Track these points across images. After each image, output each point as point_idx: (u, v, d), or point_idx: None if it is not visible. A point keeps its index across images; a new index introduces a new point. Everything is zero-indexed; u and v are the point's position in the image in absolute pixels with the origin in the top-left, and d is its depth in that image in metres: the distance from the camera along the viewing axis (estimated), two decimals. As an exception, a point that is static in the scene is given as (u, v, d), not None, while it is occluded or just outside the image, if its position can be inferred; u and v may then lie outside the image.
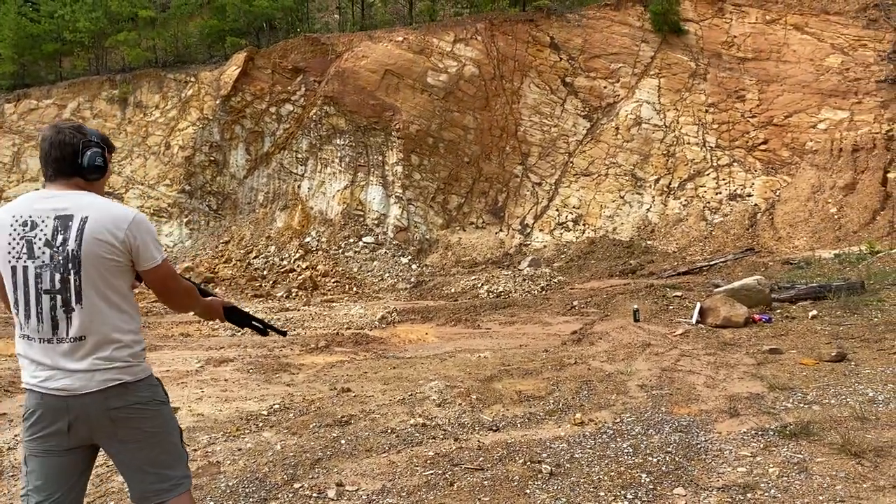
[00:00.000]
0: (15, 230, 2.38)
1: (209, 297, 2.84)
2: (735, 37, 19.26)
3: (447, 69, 19.95)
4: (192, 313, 2.86)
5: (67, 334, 2.38)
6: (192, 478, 2.72)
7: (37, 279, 2.36)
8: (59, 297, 2.37)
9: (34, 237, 2.36)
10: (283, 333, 3.19)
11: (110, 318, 2.43)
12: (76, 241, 2.35)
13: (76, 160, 2.46)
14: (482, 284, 14.73)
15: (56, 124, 2.54)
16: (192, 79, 21.18)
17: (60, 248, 2.35)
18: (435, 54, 20.02)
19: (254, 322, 3.08)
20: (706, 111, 19.10)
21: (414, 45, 20.02)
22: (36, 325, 2.38)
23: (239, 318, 3.00)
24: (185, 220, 20.00)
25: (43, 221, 2.37)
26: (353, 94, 19.91)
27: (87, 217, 2.38)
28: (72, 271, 2.36)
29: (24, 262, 2.37)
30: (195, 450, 4.98)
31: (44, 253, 2.36)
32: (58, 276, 2.36)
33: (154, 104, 21.19)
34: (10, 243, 2.37)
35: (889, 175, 16.31)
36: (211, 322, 12.08)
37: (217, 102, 20.47)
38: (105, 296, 2.41)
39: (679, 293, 11.44)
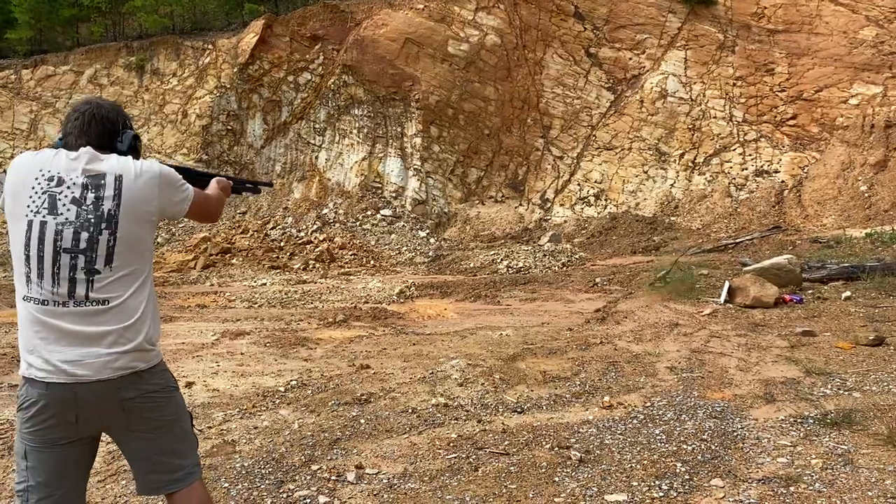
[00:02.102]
0: (39, 184, 2.21)
1: (214, 181, 2.84)
2: (765, 8, 18.65)
3: (468, 38, 19.53)
4: None
5: (87, 297, 2.19)
6: (200, 465, 2.55)
7: (56, 236, 2.17)
8: (81, 257, 2.18)
9: (59, 193, 2.20)
10: (270, 184, 3.63)
11: (138, 286, 2.29)
12: (114, 200, 2.23)
13: (115, 139, 2.39)
14: (501, 259, 14.49)
15: (91, 99, 2.44)
16: (210, 46, 20.90)
17: (92, 206, 2.20)
18: (456, 23, 19.59)
19: (247, 185, 3.26)
20: (734, 84, 18.59)
21: (435, 14, 19.60)
22: (51, 287, 2.17)
23: (238, 186, 3.13)
24: (202, 189, 19.86)
25: (71, 179, 2.22)
26: (372, 64, 19.56)
27: (121, 176, 2.27)
28: (105, 231, 2.20)
29: (44, 216, 2.18)
30: (210, 427, 4.83)
31: (69, 210, 2.19)
32: (84, 235, 2.18)
33: (171, 72, 20.95)
34: (31, 196, 2.20)
35: (923, 152, 15.82)
36: (228, 293, 11.97)
37: (234, 70, 20.20)
38: (138, 255, 2.29)
39: (705, 271, 11.15)
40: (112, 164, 2.30)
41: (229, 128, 20.29)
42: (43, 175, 2.22)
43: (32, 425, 2.24)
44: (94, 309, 2.20)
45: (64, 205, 2.19)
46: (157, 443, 2.37)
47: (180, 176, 2.48)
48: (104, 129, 2.36)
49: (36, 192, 2.20)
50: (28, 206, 2.20)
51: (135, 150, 2.43)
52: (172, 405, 2.42)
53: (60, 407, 2.20)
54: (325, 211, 18.72)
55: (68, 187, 2.21)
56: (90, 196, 2.21)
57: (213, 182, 2.81)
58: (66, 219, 2.18)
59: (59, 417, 2.22)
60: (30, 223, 2.19)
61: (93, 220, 2.20)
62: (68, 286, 2.17)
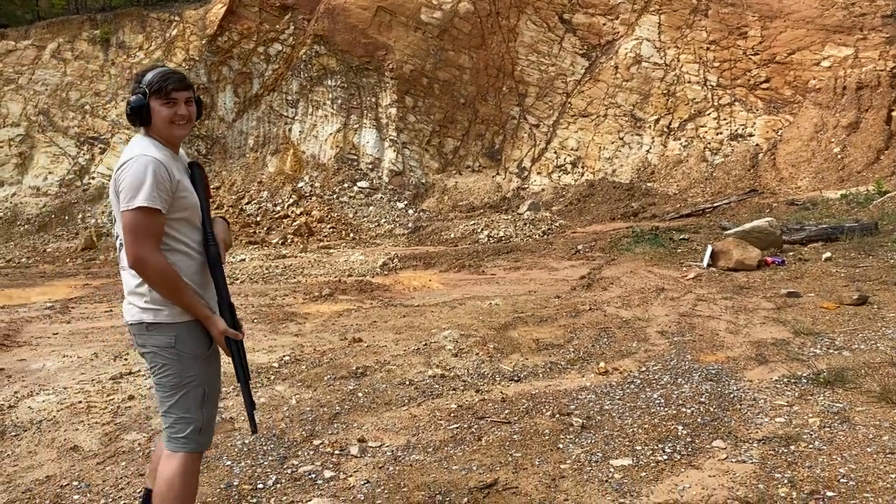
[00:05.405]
0: None
1: (217, 316, 2.63)
2: (738, -30, 18.62)
3: (441, 5, 19.24)
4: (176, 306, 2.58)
5: (120, 263, 2.63)
6: (192, 444, 2.62)
7: (112, 215, 2.78)
8: (118, 232, 2.61)
9: None
10: (254, 429, 2.77)
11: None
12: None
13: None
14: (482, 229, 14.47)
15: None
16: (177, 18, 20.34)
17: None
18: (428, -10, 19.28)
19: (246, 389, 2.70)
20: (707, 49, 18.59)
21: (406, -19, 19.25)
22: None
23: (237, 369, 2.66)
24: (173, 165, 19.47)
25: None
26: (344, 33, 19.22)
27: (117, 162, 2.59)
28: (114, 213, 2.58)
29: None
30: (206, 405, 4.77)
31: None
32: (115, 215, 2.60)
33: (137, 45, 20.38)
34: None
35: (894, 113, 15.99)
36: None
37: (203, 42, 19.70)
38: None
39: (685, 236, 11.23)
40: (125, 150, 2.59)
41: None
42: None
43: None
44: (123, 272, 2.63)
45: None
46: (159, 397, 2.63)
47: (141, 187, 2.41)
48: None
49: None
50: None
51: (136, 115, 2.58)
52: (175, 368, 2.58)
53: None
54: (300, 184, 18.49)
55: None
56: None
57: (214, 315, 2.63)
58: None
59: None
60: None
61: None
62: (118, 252, 2.64)
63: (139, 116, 2.56)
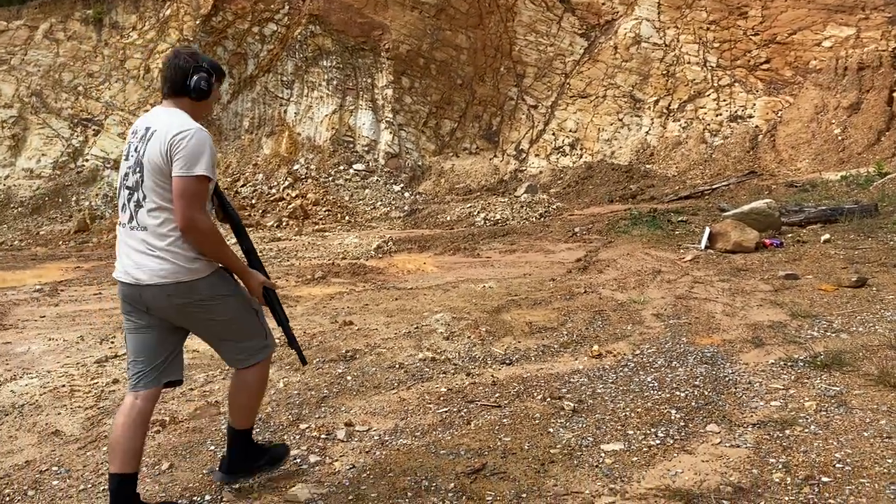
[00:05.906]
0: (132, 136, 2.86)
1: (253, 270, 2.98)
2: (739, -51, 18.37)
3: (438, -15, 19.01)
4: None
5: (137, 224, 2.78)
6: (269, 347, 3.10)
7: (124, 177, 2.85)
8: (134, 193, 2.79)
9: (132, 143, 2.83)
10: (304, 361, 3.29)
11: (165, 219, 2.74)
12: (142, 150, 2.76)
13: (186, 82, 2.84)
14: (478, 212, 14.35)
15: (176, 49, 2.92)
16: (170, -2, 20.11)
17: (136, 153, 2.79)
18: (425, -31, 19.03)
19: (288, 330, 3.13)
20: (707, 29, 18.40)
21: (403, -40, 19.00)
22: (122, 214, 2.85)
23: (276, 314, 3.07)
24: (168, 147, 19.29)
25: (141, 130, 2.82)
26: (340, 12, 19.00)
27: (155, 130, 2.76)
28: (138, 174, 2.76)
29: (123, 161, 2.89)
30: (192, 389, 4.69)
31: (132, 157, 2.81)
32: (134, 177, 2.78)
33: (131, 25, 20.16)
34: (127, 144, 2.88)
35: (895, 94, 15.84)
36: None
37: (197, 23, 19.48)
38: (161, 197, 2.74)
39: (683, 218, 11.13)
40: (161, 118, 2.79)
41: (194, 83, 19.60)
42: (136, 128, 2.87)
43: (123, 312, 2.95)
44: (140, 233, 2.79)
45: (131, 152, 2.83)
46: (215, 338, 2.97)
47: (199, 159, 2.69)
48: (175, 75, 2.83)
49: (128, 143, 2.87)
50: (124, 152, 2.91)
51: (200, 89, 2.83)
52: (223, 308, 2.88)
53: (132, 301, 2.86)
54: (296, 167, 18.35)
55: (137, 137, 2.81)
56: (142, 146, 2.78)
57: (254, 272, 2.97)
58: (130, 164, 2.82)
59: (133, 308, 2.88)
60: (121, 166, 2.91)
61: (134, 165, 2.80)
62: (129, 214, 2.82)
63: (202, 92, 2.85)
